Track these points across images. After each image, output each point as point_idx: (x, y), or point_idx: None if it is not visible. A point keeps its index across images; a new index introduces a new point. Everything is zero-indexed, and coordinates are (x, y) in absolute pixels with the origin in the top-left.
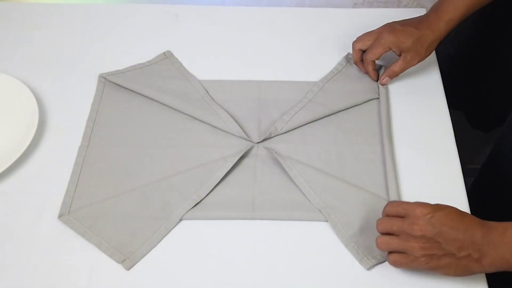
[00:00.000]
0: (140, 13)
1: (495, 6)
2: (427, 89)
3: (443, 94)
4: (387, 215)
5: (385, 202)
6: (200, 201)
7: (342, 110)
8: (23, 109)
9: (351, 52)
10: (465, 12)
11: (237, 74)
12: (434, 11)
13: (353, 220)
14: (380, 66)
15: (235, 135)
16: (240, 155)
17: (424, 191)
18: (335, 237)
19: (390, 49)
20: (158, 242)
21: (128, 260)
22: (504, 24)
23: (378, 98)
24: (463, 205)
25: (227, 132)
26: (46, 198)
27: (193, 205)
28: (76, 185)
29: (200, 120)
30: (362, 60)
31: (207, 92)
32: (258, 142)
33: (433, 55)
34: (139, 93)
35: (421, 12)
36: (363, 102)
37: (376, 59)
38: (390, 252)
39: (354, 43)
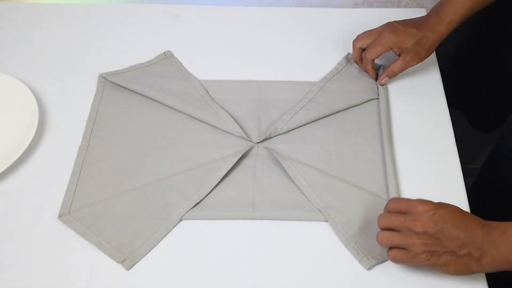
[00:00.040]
0: (140, 13)
1: (495, 6)
2: (427, 89)
3: (443, 94)
4: (388, 211)
5: (385, 202)
6: (200, 201)
7: (342, 110)
8: (23, 109)
9: (351, 52)
10: (466, 14)
11: (237, 74)
12: (434, 12)
13: (353, 220)
14: (380, 66)
15: (235, 135)
16: (240, 155)
17: (424, 191)
18: (335, 237)
19: (391, 48)
20: (158, 242)
21: (128, 260)
22: (504, 24)
23: (378, 98)
24: (463, 205)
25: (227, 132)
26: (46, 198)
27: (193, 205)
28: (76, 185)
29: (200, 120)
30: (362, 59)
31: (207, 92)
32: (258, 142)
33: (433, 55)
34: (139, 93)
35: (421, 12)
36: (363, 102)
37: (376, 58)
38: (390, 248)
39: (355, 41)
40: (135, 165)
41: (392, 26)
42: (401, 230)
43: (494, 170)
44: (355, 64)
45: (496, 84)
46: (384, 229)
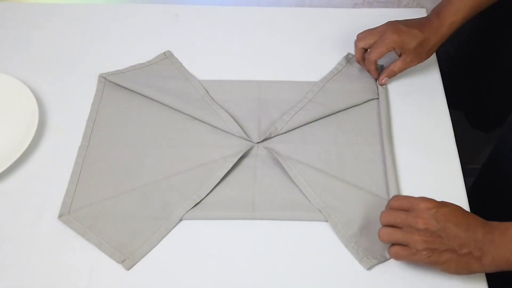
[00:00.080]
0: (140, 13)
1: (495, 7)
2: (427, 89)
3: (443, 94)
4: (391, 208)
5: (385, 202)
6: (200, 201)
7: (342, 110)
8: (23, 109)
9: (351, 52)
10: (467, 15)
11: (237, 74)
12: (436, 14)
13: (353, 220)
14: (381, 66)
15: (235, 135)
16: (240, 155)
17: (424, 191)
18: (335, 237)
19: (394, 49)
20: (158, 242)
21: (128, 260)
22: (504, 24)
23: (378, 98)
24: (463, 205)
25: (227, 132)
26: (46, 198)
27: (193, 205)
28: (76, 185)
29: (200, 120)
30: (364, 59)
31: (207, 92)
32: (258, 142)
33: (433, 55)
34: (139, 93)
35: (421, 12)
36: (363, 102)
37: (379, 58)
38: (392, 245)
39: (357, 41)
40: (135, 165)
41: (394, 26)
42: (403, 227)
43: (494, 170)
44: (355, 64)
45: (496, 84)
46: (386, 225)
